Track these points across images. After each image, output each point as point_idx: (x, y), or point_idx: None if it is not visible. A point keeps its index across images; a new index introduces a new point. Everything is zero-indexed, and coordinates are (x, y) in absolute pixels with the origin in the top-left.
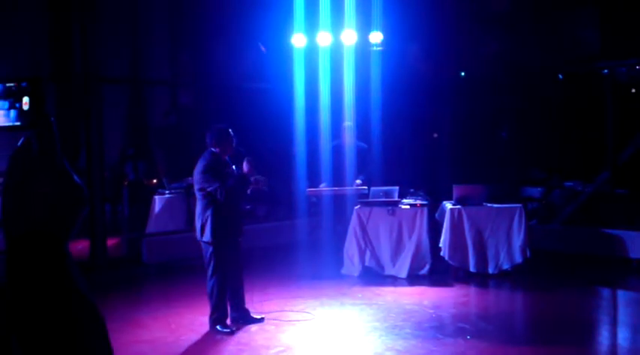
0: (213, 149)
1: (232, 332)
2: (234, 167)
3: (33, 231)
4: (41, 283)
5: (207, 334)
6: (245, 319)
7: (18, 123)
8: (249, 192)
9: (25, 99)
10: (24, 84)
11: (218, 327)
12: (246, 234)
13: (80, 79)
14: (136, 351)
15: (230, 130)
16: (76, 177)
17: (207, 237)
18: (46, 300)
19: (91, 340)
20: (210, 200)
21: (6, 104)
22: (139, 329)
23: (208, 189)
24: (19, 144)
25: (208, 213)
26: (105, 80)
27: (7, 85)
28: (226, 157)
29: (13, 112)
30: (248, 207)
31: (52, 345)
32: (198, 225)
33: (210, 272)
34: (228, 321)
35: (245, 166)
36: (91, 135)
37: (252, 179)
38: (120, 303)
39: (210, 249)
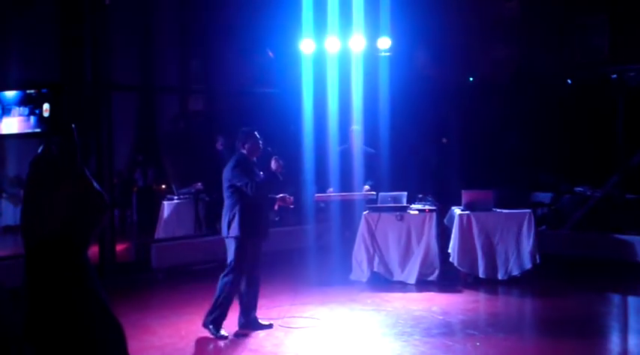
0: (242, 150)
1: (225, 338)
2: (261, 173)
3: (52, 239)
4: (60, 291)
5: (216, 340)
6: (253, 325)
7: (38, 130)
8: (276, 207)
9: (46, 106)
10: (44, 90)
11: (211, 327)
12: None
13: (90, 85)
14: None
15: (255, 132)
16: (95, 184)
17: (234, 231)
18: (65, 308)
19: (110, 351)
20: (238, 197)
21: (26, 110)
22: (148, 335)
23: (238, 184)
24: (39, 151)
25: (236, 209)
26: (115, 87)
27: (28, 91)
28: (254, 159)
29: (33, 119)
30: (277, 218)
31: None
32: (225, 221)
33: (228, 269)
34: (235, 327)
35: (273, 164)
36: (100, 142)
37: (279, 195)
38: (129, 309)
39: (234, 245)
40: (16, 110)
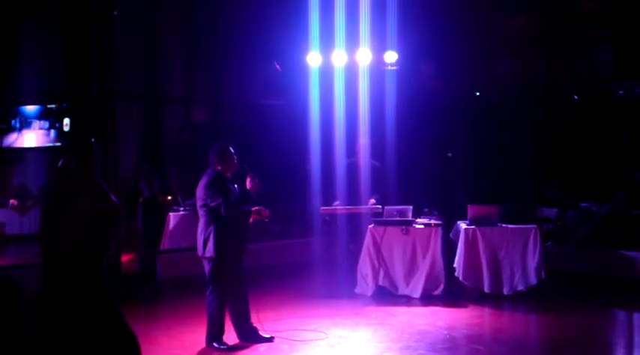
0: (216, 167)
1: (229, 349)
2: (235, 186)
3: (70, 250)
4: (77, 302)
5: (221, 352)
6: (254, 338)
7: (58, 144)
8: (251, 221)
9: (66, 121)
10: (64, 105)
11: (215, 344)
12: (260, 251)
13: (96, 96)
14: None
15: (231, 148)
16: (113, 197)
17: (209, 252)
18: (81, 319)
19: None
20: (212, 216)
21: (46, 124)
22: (153, 346)
23: (211, 205)
24: (59, 164)
25: (211, 228)
26: (120, 97)
27: (48, 106)
28: (229, 175)
29: (53, 132)
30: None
31: None
32: (200, 240)
33: (210, 288)
34: (234, 339)
35: (248, 183)
36: (106, 152)
37: (254, 208)
38: (133, 319)
39: (212, 265)
40: (37, 124)
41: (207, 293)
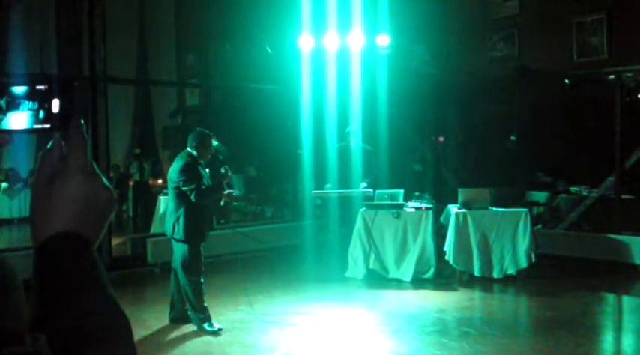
0: (191, 150)
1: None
2: (207, 170)
3: (62, 233)
4: (69, 285)
5: (211, 334)
6: (184, 320)
7: (47, 126)
8: (221, 204)
9: (55, 102)
10: (54, 85)
11: (204, 326)
12: (251, 235)
13: (88, 79)
14: (140, 352)
15: (212, 137)
16: (105, 180)
17: (179, 234)
18: (73, 301)
19: (117, 341)
20: (182, 199)
21: (35, 105)
22: (143, 330)
23: (183, 189)
24: (48, 146)
25: (181, 211)
26: (112, 81)
27: (37, 86)
28: (201, 161)
29: (41, 114)
30: (222, 221)
31: (78, 349)
32: (169, 223)
33: (189, 271)
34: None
35: (222, 176)
36: (97, 136)
37: (226, 192)
38: (124, 303)
39: (185, 247)
40: (25, 105)
41: (187, 276)
